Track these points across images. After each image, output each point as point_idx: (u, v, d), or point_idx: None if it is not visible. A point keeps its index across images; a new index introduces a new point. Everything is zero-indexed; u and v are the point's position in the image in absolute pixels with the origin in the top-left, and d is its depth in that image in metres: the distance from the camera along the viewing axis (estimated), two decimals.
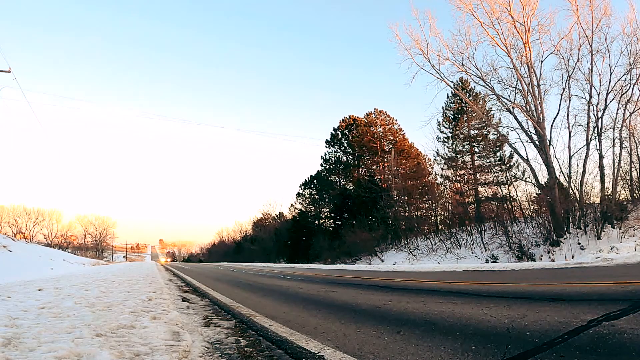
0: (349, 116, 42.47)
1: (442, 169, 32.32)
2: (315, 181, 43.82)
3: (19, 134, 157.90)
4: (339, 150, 42.36)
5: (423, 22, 22.95)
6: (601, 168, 16.87)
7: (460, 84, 27.17)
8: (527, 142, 18.21)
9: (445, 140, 31.93)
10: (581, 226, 16.28)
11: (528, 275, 7.71)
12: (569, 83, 17.59)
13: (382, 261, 26.13)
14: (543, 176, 18.58)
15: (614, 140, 16.97)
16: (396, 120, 40.04)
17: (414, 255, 24.53)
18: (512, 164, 27.51)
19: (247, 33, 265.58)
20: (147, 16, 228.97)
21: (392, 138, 39.28)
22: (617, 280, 5.45)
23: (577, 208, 16.93)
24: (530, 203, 21.75)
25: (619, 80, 16.68)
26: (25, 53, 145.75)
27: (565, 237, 16.02)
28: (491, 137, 27.96)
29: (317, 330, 3.46)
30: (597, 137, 16.89)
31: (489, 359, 2.26)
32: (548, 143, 17.37)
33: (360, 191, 35.14)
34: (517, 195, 24.44)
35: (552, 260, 14.55)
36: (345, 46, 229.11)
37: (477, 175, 29.80)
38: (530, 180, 20.58)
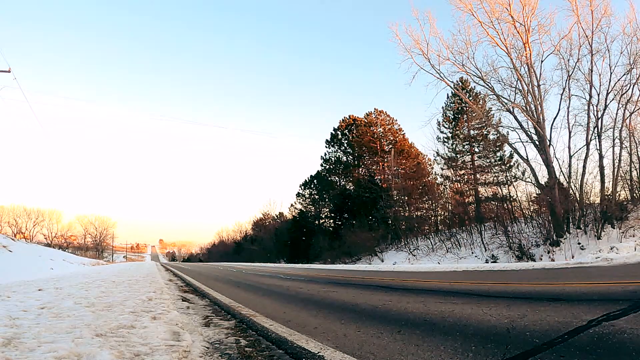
0: (349, 116, 42.49)
1: (442, 169, 32.35)
2: (315, 181, 43.82)
3: (19, 134, 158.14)
4: (339, 150, 42.37)
5: (423, 22, 22.96)
6: (601, 168, 16.87)
7: (460, 84, 27.17)
8: (527, 142, 18.23)
9: (445, 140, 31.93)
10: (581, 226, 16.28)
11: (528, 275, 7.71)
12: (569, 83, 17.61)
13: (382, 261, 26.13)
14: (543, 176, 18.60)
15: (614, 140, 16.98)
16: (396, 120, 40.07)
17: (414, 255, 24.52)
18: (512, 164, 27.51)
19: (247, 32, 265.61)
20: (148, 16, 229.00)
21: (392, 138, 39.28)
22: (617, 280, 5.45)
23: (577, 208, 16.92)
24: (530, 203, 21.75)
25: (619, 80, 16.69)
26: (25, 53, 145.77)
27: (565, 237, 16.02)
28: (491, 137, 27.96)
29: (317, 330, 3.46)
30: (597, 137, 16.90)
31: (489, 359, 2.26)
32: (548, 143, 17.37)
33: (360, 191, 35.14)
34: (517, 195, 24.45)
35: (552, 260, 14.55)
36: (345, 46, 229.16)
37: (477, 175, 29.79)
38: (530, 180, 20.60)
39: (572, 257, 13.58)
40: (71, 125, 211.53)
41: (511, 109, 18.55)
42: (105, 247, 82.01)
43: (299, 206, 44.84)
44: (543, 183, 18.48)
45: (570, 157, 17.47)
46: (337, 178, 42.57)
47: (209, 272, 18.65)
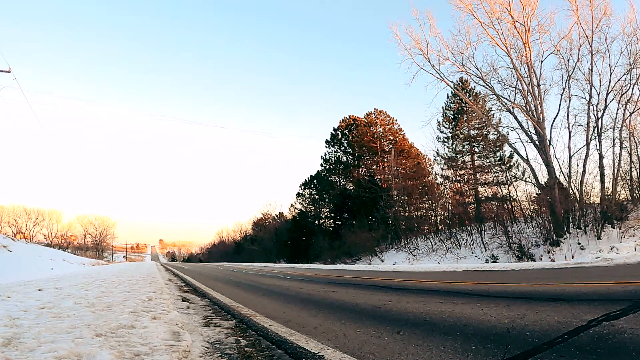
0: (349, 116, 42.48)
1: (442, 169, 32.32)
2: (315, 181, 43.81)
3: (19, 134, 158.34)
4: (339, 150, 42.36)
5: (423, 22, 22.93)
6: (601, 168, 16.86)
7: (460, 84, 27.16)
8: (527, 142, 18.21)
9: (445, 140, 31.92)
10: (581, 226, 16.27)
11: (528, 275, 7.71)
12: (569, 83, 17.59)
13: (382, 261, 26.13)
14: (543, 176, 18.58)
15: (614, 140, 16.98)
16: (396, 120, 40.08)
17: (414, 255, 24.52)
18: (512, 164, 27.50)
19: (247, 32, 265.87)
20: (148, 16, 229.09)
21: (392, 138, 39.27)
22: (617, 280, 5.45)
23: (577, 208, 16.91)
24: (530, 203, 21.73)
25: (619, 80, 16.68)
26: (25, 53, 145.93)
27: (565, 237, 16.01)
28: (491, 137, 27.94)
29: (317, 330, 3.46)
30: (597, 137, 16.88)
31: (489, 359, 2.26)
32: (548, 143, 17.36)
33: (360, 191, 35.13)
34: (517, 195, 24.42)
35: (552, 260, 14.54)
36: (345, 46, 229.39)
37: (477, 175, 29.78)
38: (530, 180, 20.58)
39: (572, 257, 13.58)
40: (71, 125, 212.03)
41: (511, 109, 18.54)
42: (105, 247, 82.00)
43: (299, 206, 44.86)
44: (543, 183, 18.46)
45: (570, 157, 17.47)
46: (337, 178, 42.55)
47: (209, 272, 18.65)
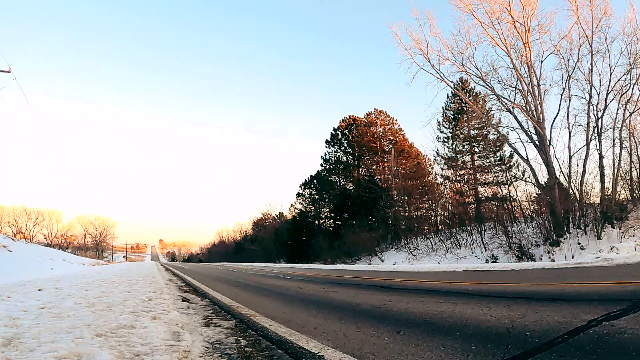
0: (349, 116, 42.49)
1: (442, 169, 32.32)
2: (315, 181, 43.81)
3: (19, 134, 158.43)
4: (339, 150, 42.36)
5: (423, 22, 22.84)
6: (601, 168, 16.86)
7: (460, 84, 27.15)
8: (527, 142, 18.20)
9: (445, 140, 31.92)
10: (581, 226, 16.27)
11: (528, 275, 7.71)
12: (569, 83, 17.59)
13: (382, 261, 26.12)
14: (543, 176, 18.58)
15: (614, 140, 16.97)
16: (396, 120, 40.09)
17: (414, 255, 24.51)
18: (512, 164, 27.50)
19: (247, 32, 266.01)
20: (148, 16, 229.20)
21: (392, 138, 39.28)
22: (617, 280, 5.45)
23: (577, 208, 16.91)
24: (530, 203, 21.74)
25: (619, 80, 16.67)
26: (25, 53, 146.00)
27: (565, 237, 16.01)
28: (491, 137, 27.93)
29: (317, 330, 3.46)
30: (597, 137, 16.88)
31: (489, 359, 2.26)
32: (548, 143, 17.36)
33: (360, 191, 35.13)
34: (517, 195, 24.42)
35: (552, 260, 14.54)
36: (345, 46, 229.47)
37: (477, 175, 29.79)
38: (530, 180, 20.57)
39: (572, 257, 13.58)
40: (71, 125, 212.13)
41: (511, 109, 18.54)
42: (105, 247, 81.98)
43: (299, 206, 44.85)
44: (543, 183, 18.46)
45: (570, 157, 17.47)
46: (337, 178, 42.55)
47: (209, 272, 18.65)
